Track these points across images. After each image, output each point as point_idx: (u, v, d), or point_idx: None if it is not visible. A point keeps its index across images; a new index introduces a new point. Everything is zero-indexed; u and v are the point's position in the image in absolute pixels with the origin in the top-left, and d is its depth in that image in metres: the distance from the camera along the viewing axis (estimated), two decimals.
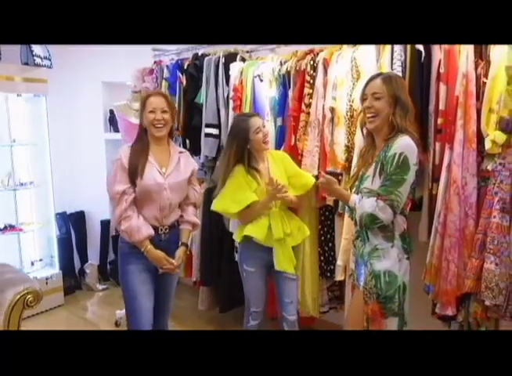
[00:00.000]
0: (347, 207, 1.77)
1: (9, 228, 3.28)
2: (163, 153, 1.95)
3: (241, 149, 2.01)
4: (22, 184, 3.32)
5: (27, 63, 3.15)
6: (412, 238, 1.67)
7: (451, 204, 1.79)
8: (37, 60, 3.17)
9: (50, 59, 3.29)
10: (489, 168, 1.74)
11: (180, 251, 1.97)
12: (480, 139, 1.76)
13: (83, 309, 3.41)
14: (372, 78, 1.63)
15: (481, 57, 1.79)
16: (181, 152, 2.03)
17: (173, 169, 1.93)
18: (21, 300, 1.87)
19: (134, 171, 1.84)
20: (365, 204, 1.54)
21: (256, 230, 2.00)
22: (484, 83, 1.75)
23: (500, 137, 1.68)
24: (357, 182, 1.66)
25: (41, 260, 3.50)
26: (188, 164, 2.01)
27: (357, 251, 1.68)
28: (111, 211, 2.02)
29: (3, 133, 3.21)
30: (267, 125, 2.20)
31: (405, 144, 1.51)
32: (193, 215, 2.06)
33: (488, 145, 1.71)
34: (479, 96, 1.77)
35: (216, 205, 2.07)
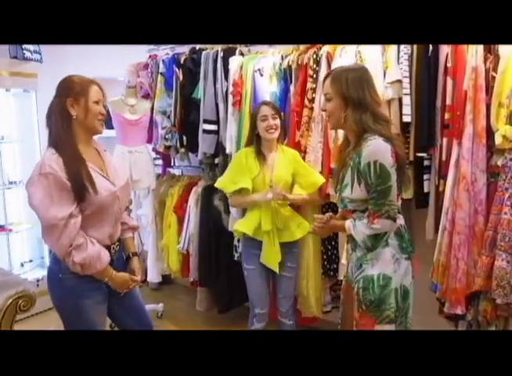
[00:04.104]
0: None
1: None
2: (94, 153, 1.58)
3: (252, 132, 2.12)
4: (11, 183, 3.20)
5: (16, 57, 3.02)
6: (411, 235, 1.56)
7: (460, 200, 1.76)
8: (27, 54, 3.05)
9: (40, 53, 3.17)
10: (499, 163, 1.72)
11: (137, 263, 1.69)
12: (489, 134, 1.74)
13: None
14: (325, 77, 1.52)
15: (490, 51, 1.77)
16: (104, 149, 1.67)
17: (113, 171, 1.58)
18: (13, 304, 1.78)
19: (80, 186, 1.42)
20: (361, 228, 1.44)
21: (245, 225, 2.07)
22: (494, 77, 1.72)
23: (511, 132, 1.65)
24: (339, 186, 1.54)
25: (31, 261, 3.38)
26: (114, 161, 1.69)
27: (349, 256, 1.57)
28: (50, 240, 1.48)
29: None
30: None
31: (374, 150, 1.38)
32: (131, 219, 1.80)
33: (498, 140, 1.68)
34: (488, 90, 1.74)
35: (217, 182, 2.18)
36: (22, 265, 3.33)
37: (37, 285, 3.19)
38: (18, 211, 3.35)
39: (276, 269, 2.05)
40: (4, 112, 3.19)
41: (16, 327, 2.20)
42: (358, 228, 1.45)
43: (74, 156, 1.46)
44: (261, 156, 2.06)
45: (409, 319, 1.48)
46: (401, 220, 1.50)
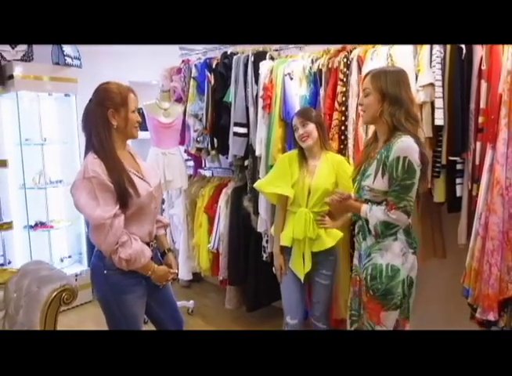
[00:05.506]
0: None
1: (40, 225, 3.35)
2: (129, 157, 1.67)
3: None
4: (52, 182, 3.38)
5: (58, 63, 3.20)
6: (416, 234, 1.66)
7: (494, 205, 1.73)
8: (68, 60, 3.22)
9: (80, 59, 3.34)
10: None
11: (172, 257, 1.80)
12: None
13: None
14: (366, 74, 1.63)
15: None
16: (135, 152, 1.74)
17: (147, 173, 1.68)
18: (57, 297, 1.88)
19: (123, 191, 1.51)
20: (377, 213, 1.54)
21: (283, 237, 2.08)
22: None
23: None
24: (359, 176, 1.64)
25: (70, 257, 3.57)
26: (145, 163, 1.76)
27: (359, 245, 1.68)
28: (98, 239, 1.54)
29: (34, 132, 3.27)
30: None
31: (406, 147, 1.47)
32: (163, 217, 1.86)
33: None
34: None
35: (257, 183, 2.18)
36: (61, 260, 3.51)
37: (76, 279, 3.37)
38: (59, 209, 3.54)
39: (301, 278, 2.03)
40: (47, 115, 3.36)
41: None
42: (374, 212, 1.55)
43: (116, 162, 1.54)
44: (303, 162, 2.05)
45: (409, 305, 1.61)
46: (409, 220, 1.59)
